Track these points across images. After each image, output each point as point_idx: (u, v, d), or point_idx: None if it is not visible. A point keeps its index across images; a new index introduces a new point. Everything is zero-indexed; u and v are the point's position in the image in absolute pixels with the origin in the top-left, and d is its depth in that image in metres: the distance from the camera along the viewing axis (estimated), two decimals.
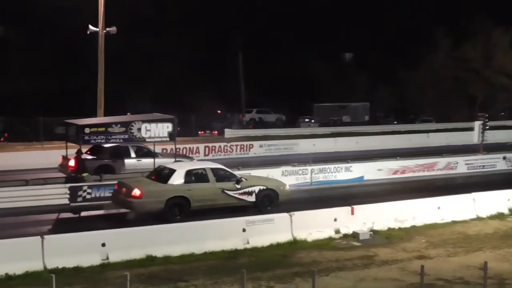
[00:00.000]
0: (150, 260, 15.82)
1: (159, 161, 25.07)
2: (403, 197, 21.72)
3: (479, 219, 21.06)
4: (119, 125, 23.55)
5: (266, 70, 61.77)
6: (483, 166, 31.69)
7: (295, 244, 17.69)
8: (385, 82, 65.29)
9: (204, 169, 21.14)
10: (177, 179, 20.41)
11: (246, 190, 21.24)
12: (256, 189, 21.39)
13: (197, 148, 35.09)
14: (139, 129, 23.73)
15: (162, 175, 20.92)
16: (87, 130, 23.07)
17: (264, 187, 21.59)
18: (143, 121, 24.05)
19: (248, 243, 17.33)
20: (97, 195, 21.94)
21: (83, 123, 23.96)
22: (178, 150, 28.57)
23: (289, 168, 26.85)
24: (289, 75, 65.29)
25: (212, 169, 21.19)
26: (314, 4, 68.81)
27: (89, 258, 15.27)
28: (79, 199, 21.67)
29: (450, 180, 29.10)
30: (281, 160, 32.55)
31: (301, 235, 18.09)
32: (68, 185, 22.05)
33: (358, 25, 69.30)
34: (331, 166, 27.79)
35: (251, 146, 37.92)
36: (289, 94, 62.04)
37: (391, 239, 18.49)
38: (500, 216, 21.45)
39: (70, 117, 27.22)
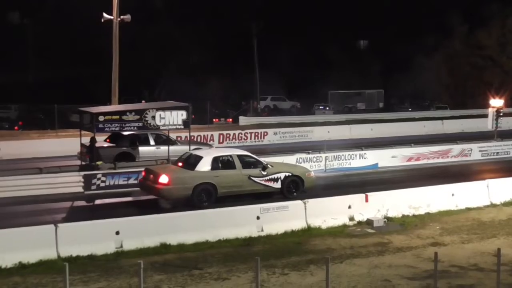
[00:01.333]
0: (164, 248, 15.81)
1: (178, 148, 25.21)
2: (417, 184, 21.62)
3: (493, 205, 20.91)
4: (133, 113, 23.51)
5: (281, 57, 61.44)
6: (497, 153, 31.41)
7: (309, 232, 17.64)
8: (400, 69, 64.80)
9: (230, 155, 21.24)
10: (204, 165, 20.51)
11: (272, 176, 21.30)
12: (282, 175, 21.45)
13: (212, 135, 35.01)
14: (153, 117, 23.68)
15: (189, 162, 21.00)
16: (101, 118, 23.04)
17: (290, 174, 21.65)
18: (157, 109, 24.00)
19: (262, 230, 17.29)
20: (112, 183, 21.97)
21: (98, 111, 23.95)
22: (192, 137, 28.60)
23: (303, 155, 26.75)
24: (304, 62, 64.98)
25: (239, 156, 21.31)
26: None
27: (103, 246, 15.27)
28: (93, 187, 21.71)
29: (464, 167, 28.84)
30: (295, 147, 32.47)
31: (315, 222, 18.02)
32: (82, 173, 22.09)
33: (373, 12, 68.77)
34: (346, 153, 27.66)
35: (265, 133, 37.83)
36: (304, 81, 61.79)
37: (406, 226, 18.39)
38: None
39: (84, 105, 27.20)
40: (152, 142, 26.60)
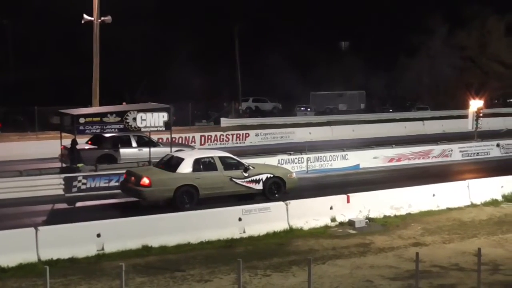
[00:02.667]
0: (146, 250, 15.73)
1: (161, 150, 25.50)
2: (399, 185, 21.76)
3: (473, 205, 21.06)
4: (114, 115, 23.37)
5: (263, 59, 61.46)
6: (477, 153, 31.69)
7: (292, 233, 17.65)
8: (381, 70, 65.15)
9: (212, 157, 21.27)
10: (185, 167, 20.54)
11: (254, 178, 21.39)
12: (264, 177, 21.54)
13: (193, 137, 34.98)
14: (135, 119, 23.56)
15: (170, 163, 21.04)
16: (82, 120, 22.88)
17: (272, 175, 21.73)
18: (139, 111, 23.88)
19: (244, 232, 17.27)
20: (93, 186, 21.88)
21: (78, 113, 23.78)
22: (174, 139, 28.53)
23: (285, 156, 26.79)
24: (286, 64, 65.07)
25: (220, 158, 21.37)
26: None
27: (85, 249, 15.16)
28: (74, 189, 21.60)
29: (445, 167, 29.06)
30: (277, 148, 32.52)
31: (297, 223, 18.04)
32: (63, 175, 21.94)
33: (354, 13, 69.02)
34: (327, 155, 27.76)
35: (247, 135, 37.86)
36: (286, 83, 61.87)
37: (387, 227, 18.46)
38: (494, 202, 21.45)
39: (65, 106, 27.02)
40: (134, 144, 26.67)
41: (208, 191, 20.52)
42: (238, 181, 21.13)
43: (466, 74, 63.78)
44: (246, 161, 22.22)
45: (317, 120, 50.73)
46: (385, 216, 19.37)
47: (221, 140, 36.23)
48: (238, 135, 37.51)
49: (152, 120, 23.99)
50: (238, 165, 21.46)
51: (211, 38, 61.60)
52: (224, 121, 48.08)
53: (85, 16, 32.56)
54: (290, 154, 27.11)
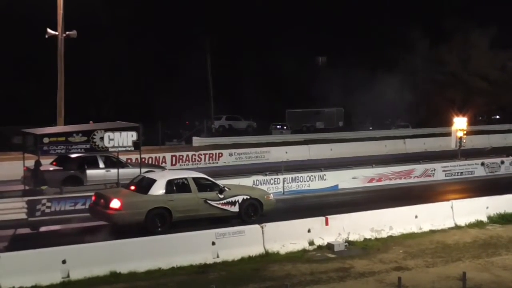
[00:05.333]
0: (114, 276, 15.67)
1: (129, 171, 25.57)
2: (380, 206, 21.86)
3: (458, 227, 21.27)
4: (80, 134, 23.29)
5: (236, 75, 61.76)
6: (461, 172, 32.06)
7: (268, 257, 17.68)
8: (360, 86, 65.72)
9: (186, 178, 21.23)
10: (158, 189, 20.46)
11: (230, 200, 21.38)
12: (240, 198, 21.55)
13: (164, 157, 34.92)
14: (102, 138, 23.50)
15: (142, 185, 20.92)
16: (46, 140, 22.76)
17: (248, 197, 21.75)
18: (106, 130, 23.82)
19: (218, 256, 17.26)
20: (57, 209, 21.68)
21: (42, 132, 23.66)
22: (144, 159, 28.47)
23: (260, 177, 26.86)
24: (260, 81, 65.38)
25: (194, 179, 21.32)
26: (286, 6, 69.12)
27: (49, 276, 15.05)
28: (38, 213, 21.38)
29: (427, 187, 29.35)
30: (252, 169, 32.59)
31: (273, 247, 18.09)
32: (26, 198, 21.75)
33: (332, 27, 69.72)
34: (304, 175, 27.90)
35: (220, 154, 37.87)
36: (260, 100, 62.18)
37: (368, 250, 18.57)
38: (479, 224, 21.69)
39: (28, 126, 26.85)
40: (101, 165, 26.61)
41: (181, 213, 20.44)
42: (213, 203, 21.09)
43: (449, 90, 64.52)
44: (220, 182, 22.24)
45: (294, 138, 50.99)
46: (365, 239, 19.49)
47: (193, 160, 36.20)
48: (211, 155, 37.51)
49: (121, 139, 23.94)
50: (212, 186, 21.43)
51: (182, 53, 61.76)
52: (196, 140, 48.09)
53: (49, 30, 32.48)
54: (266, 175, 27.19)
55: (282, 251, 18.12)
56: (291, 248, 18.32)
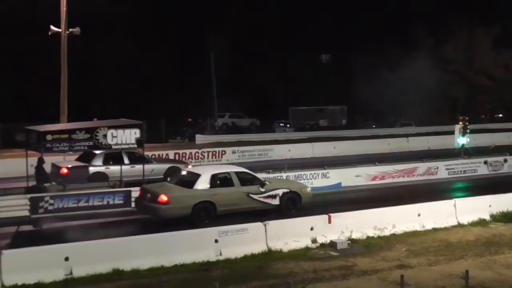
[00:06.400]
0: (117, 274, 15.66)
1: (154, 167, 26.52)
2: (382, 204, 21.80)
3: (460, 225, 21.24)
4: (83, 132, 23.30)
5: (240, 73, 61.77)
6: (464, 171, 31.99)
7: (271, 255, 17.66)
8: (364, 84, 65.68)
9: (228, 173, 21.87)
10: (202, 184, 21.08)
11: (270, 193, 21.98)
12: (280, 192, 22.12)
13: (167, 154, 34.86)
14: (105, 136, 23.52)
15: (186, 180, 21.51)
16: (49, 137, 22.77)
17: (288, 190, 22.34)
18: (109, 127, 23.83)
19: (221, 254, 17.25)
20: (60, 206, 21.68)
21: (45, 129, 23.67)
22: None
23: (263, 175, 26.68)
24: (264, 78, 65.41)
25: (236, 173, 21.96)
26: (291, 4, 69.13)
27: (52, 273, 15.04)
28: (41, 210, 21.40)
29: (430, 185, 29.33)
30: (255, 166, 32.40)
31: (276, 245, 18.07)
32: (29, 195, 21.78)
33: (336, 25, 69.67)
34: (307, 173, 27.86)
35: (223, 152, 37.81)
36: (264, 97, 62.25)
37: (371, 248, 18.55)
38: (482, 222, 21.65)
39: (31, 123, 26.91)
40: (126, 160, 26.66)
41: (225, 207, 21.00)
42: (255, 196, 21.69)
43: (453, 88, 64.47)
44: (261, 175, 22.85)
45: (297, 136, 50.90)
46: (368, 237, 19.47)
47: (196, 157, 36.16)
48: (214, 153, 37.47)
49: (124, 137, 23.95)
50: (254, 180, 22.04)
51: (186, 51, 61.82)
52: (199, 138, 48.06)
53: (52, 27, 32.51)
54: (269, 172, 27.14)
55: (285, 249, 18.10)
56: (294, 246, 18.30)
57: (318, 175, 27.91)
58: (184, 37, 61.79)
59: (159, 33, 60.19)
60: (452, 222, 21.35)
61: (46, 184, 23.15)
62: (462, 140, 33.18)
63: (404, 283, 12.74)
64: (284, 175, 27.13)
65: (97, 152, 25.68)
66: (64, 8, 31.98)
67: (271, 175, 25.35)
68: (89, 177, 25.42)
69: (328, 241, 18.80)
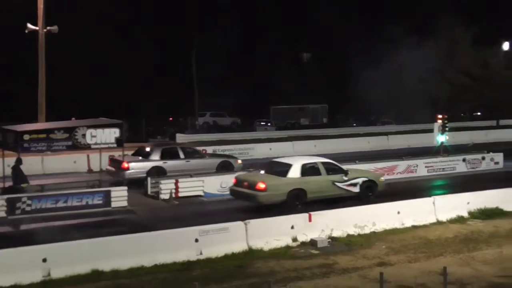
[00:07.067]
0: (97, 275, 15.58)
1: (206, 161, 28.89)
2: (363, 202, 21.96)
3: (439, 223, 21.39)
4: (62, 131, 23.01)
5: (221, 72, 61.62)
6: (443, 168, 32.18)
7: (251, 254, 17.68)
8: (345, 83, 65.87)
9: (316, 163, 24.19)
10: (295, 173, 23.33)
11: (352, 181, 24.29)
12: (360, 180, 24.45)
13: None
14: (84, 135, 23.28)
15: (278, 169, 23.75)
16: (26, 137, 22.45)
17: (367, 179, 24.71)
18: (88, 127, 23.61)
19: (201, 254, 17.24)
20: (38, 207, 21.37)
21: (22, 129, 23.34)
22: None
23: (244, 174, 26.78)
24: (245, 77, 65.33)
25: (323, 163, 24.30)
26: (270, 2, 69.14)
27: (29, 275, 14.91)
28: (18, 211, 21.12)
29: (410, 183, 29.50)
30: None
31: (257, 244, 18.08)
32: (5, 196, 21.53)
33: (316, 24, 69.75)
34: None
35: (204, 151, 37.56)
36: (245, 96, 62.17)
37: (351, 246, 18.63)
38: (460, 219, 21.83)
39: (8, 123, 26.62)
40: (181, 155, 28.42)
41: (314, 194, 23.26)
42: (339, 184, 23.99)
43: (433, 86, 64.75)
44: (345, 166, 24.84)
45: (278, 135, 50.97)
46: (348, 235, 19.55)
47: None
48: None
49: (103, 136, 23.71)
50: (338, 170, 24.25)
51: (167, 50, 61.57)
52: (180, 137, 47.88)
53: (29, 25, 32.21)
54: (250, 171, 27.12)
55: (266, 247, 18.12)
56: (275, 245, 18.33)
57: None
58: (165, 36, 61.48)
59: (142, 32, 59.87)
60: (431, 219, 21.49)
61: (24, 185, 22.88)
62: (441, 138, 33.33)
63: (384, 280, 12.77)
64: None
65: (156, 148, 28.17)
66: (41, 6, 31.71)
67: (352, 166, 26.61)
68: (148, 172, 26.97)
69: (309, 239, 18.84)
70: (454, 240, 19.39)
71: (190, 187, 25.70)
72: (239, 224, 18.26)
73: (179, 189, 25.38)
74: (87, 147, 23.77)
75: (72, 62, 54.76)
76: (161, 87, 58.49)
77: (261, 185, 22.60)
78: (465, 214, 22.22)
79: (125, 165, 25.96)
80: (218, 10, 64.45)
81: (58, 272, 15.28)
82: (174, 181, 25.48)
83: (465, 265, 16.80)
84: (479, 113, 74.20)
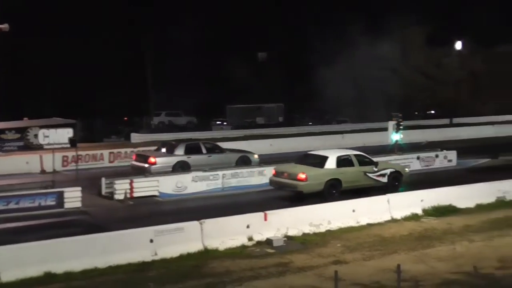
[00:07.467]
0: (49, 277, 15.35)
1: (227, 156, 30.41)
2: (318, 201, 22.07)
3: (394, 220, 21.57)
4: (13, 131, 22.77)
5: (176, 71, 61.35)
6: None
7: (207, 254, 17.61)
8: (301, 82, 66.20)
9: (349, 155, 26.00)
10: (331, 164, 25.12)
11: (382, 172, 26.16)
12: (388, 171, 26.42)
13: (101, 154, 34.43)
14: (36, 135, 23.03)
15: (315, 161, 25.37)
16: None
17: (394, 170, 26.71)
18: (41, 127, 23.34)
19: (156, 254, 17.11)
20: None
21: None
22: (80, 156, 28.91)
23: (199, 173, 26.73)
24: (201, 76, 65.15)
25: (355, 155, 26.10)
26: (225, 2, 69.06)
27: None
28: None
29: None
30: None
31: (213, 243, 18.02)
32: None
33: (272, 22, 69.91)
34: (244, 171, 27.94)
35: None
36: (201, 96, 62.00)
37: (307, 245, 18.68)
38: (414, 217, 22.05)
39: None
40: (204, 150, 29.86)
41: (348, 184, 24.99)
42: (370, 175, 25.82)
43: (388, 86, 65.45)
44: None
45: (234, 134, 50.92)
46: (304, 234, 19.60)
47: (132, 157, 35.69)
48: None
49: (56, 136, 23.55)
50: (369, 162, 26.06)
51: (120, 49, 61.05)
52: (135, 137, 47.52)
53: None
54: (205, 171, 27.06)
55: (221, 247, 18.06)
56: (230, 244, 18.28)
57: (255, 173, 27.96)
58: (118, 35, 60.97)
59: (99, 30, 59.26)
60: (386, 217, 21.66)
61: None
62: (395, 137, 33.67)
63: (339, 279, 12.84)
64: (220, 173, 27.10)
65: (180, 143, 29.71)
66: None
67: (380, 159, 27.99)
68: (173, 166, 28.28)
69: (265, 238, 18.84)
70: (409, 238, 19.58)
71: (145, 187, 25.41)
72: (195, 224, 18.16)
73: (134, 189, 25.10)
74: (40, 147, 23.51)
75: (25, 61, 53.93)
76: (117, 86, 57.97)
77: (302, 176, 24.26)
78: (419, 212, 22.44)
79: (152, 160, 27.81)
80: (176, 8, 64.22)
81: (9, 275, 15.00)
82: (128, 181, 25.20)
83: (419, 262, 16.95)
84: (432, 112, 75.31)
